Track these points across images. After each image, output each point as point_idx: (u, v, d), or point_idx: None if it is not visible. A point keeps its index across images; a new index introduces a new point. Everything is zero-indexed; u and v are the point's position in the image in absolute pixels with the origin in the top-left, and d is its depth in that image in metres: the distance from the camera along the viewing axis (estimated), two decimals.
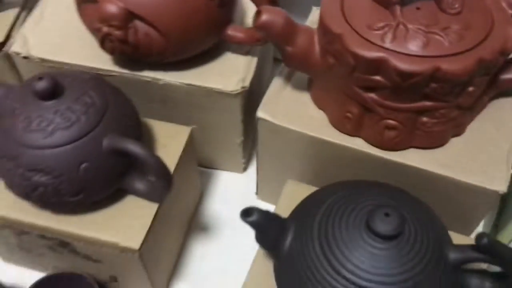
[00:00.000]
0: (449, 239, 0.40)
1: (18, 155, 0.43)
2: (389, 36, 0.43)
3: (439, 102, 0.45)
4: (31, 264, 0.56)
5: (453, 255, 0.38)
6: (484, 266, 0.43)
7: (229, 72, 0.56)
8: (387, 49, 0.43)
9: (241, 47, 0.58)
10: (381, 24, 0.44)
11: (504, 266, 0.37)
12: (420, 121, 0.47)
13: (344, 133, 0.50)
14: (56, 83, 0.43)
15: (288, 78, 0.55)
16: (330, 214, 0.39)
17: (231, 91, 0.54)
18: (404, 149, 0.49)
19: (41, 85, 0.42)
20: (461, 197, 0.48)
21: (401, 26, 0.44)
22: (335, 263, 0.37)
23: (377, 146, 0.49)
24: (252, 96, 0.57)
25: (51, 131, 0.42)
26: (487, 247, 0.36)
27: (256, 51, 0.58)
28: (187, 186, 0.59)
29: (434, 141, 0.49)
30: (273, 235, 0.40)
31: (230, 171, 0.67)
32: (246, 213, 0.39)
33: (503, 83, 0.50)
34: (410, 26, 0.44)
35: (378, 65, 0.43)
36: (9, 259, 0.58)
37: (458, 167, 0.48)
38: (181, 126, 0.54)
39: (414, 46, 0.43)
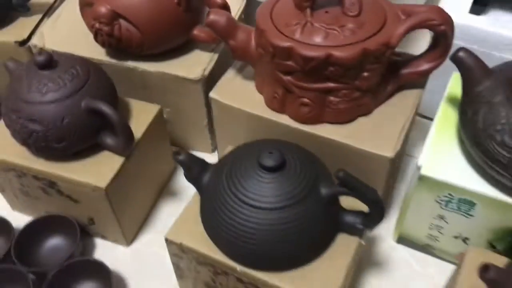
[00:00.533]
0: (327, 179, 0.51)
1: (21, 109, 0.58)
2: (298, 31, 0.57)
3: (339, 84, 0.58)
4: (30, 210, 0.71)
5: (324, 190, 0.50)
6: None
7: (194, 64, 0.70)
8: (295, 40, 0.56)
9: (208, 45, 0.72)
10: (294, 22, 0.58)
11: (358, 197, 0.49)
12: (328, 100, 0.59)
13: (274, 110, 0.63)
14: (51, 58, 0.59)
15: (240, 69, 0.69)
16: (235, 157, 0.52)
17: (194, 78, 0.69)
18: (318, 123, 0.61)
19: (40, 58, 0.58)
20: (362, 163, 0.60)
21: (308, 24, 0.57)
22: (235, 191, 0.50)
23: (296, 121, 0.62)
24: (214, 84, 0.71)
25: (45, 92, 0.57)
26: (343, 180, 0.48)
27: (219, 49, 0.73)
28: (158, 158, 0.72)
29: (341, 118, 0.61)
30: (196, 172, 0.53)
31: (201, 151, 0.81)
32: (177, 154, 0.52)
33: (404, 76, 0.62)
34: (315, 24, 0.57)
35: (289, 52, 0.56)
36: (14, 206, 0.73)
37: (359, 138, 0.60)
38: (152, 104, 0.69)
39: (315, 38, 0.56)
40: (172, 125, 0.76)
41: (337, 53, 0.55)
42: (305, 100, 0.60)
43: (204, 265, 0.54)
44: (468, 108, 0.55)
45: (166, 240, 0.55)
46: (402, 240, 0.68)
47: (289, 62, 0.57)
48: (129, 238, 0.70)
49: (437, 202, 0.58)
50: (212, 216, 0.52)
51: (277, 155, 0.49)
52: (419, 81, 0.64)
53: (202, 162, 0.54)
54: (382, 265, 0.67)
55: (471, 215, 0.57)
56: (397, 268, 0.67)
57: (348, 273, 0.52)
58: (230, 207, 0.50)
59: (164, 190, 0.76)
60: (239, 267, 0.52)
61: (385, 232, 0.70)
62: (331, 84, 0.58)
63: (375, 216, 0.51)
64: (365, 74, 0.58)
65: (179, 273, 0.60)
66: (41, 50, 0.59)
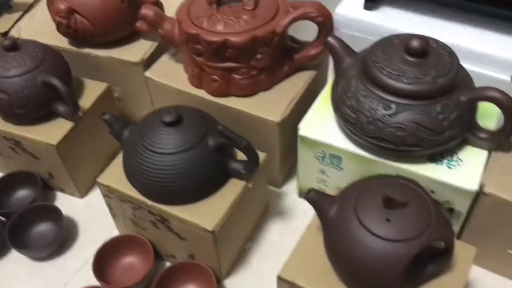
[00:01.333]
0: (215, 134, 0.66)
1: None
2: (205, 21, 0.72)
3: (238, 64, 0.73)
4: (4, 167, 0.87)
5: (211, 141, 0.65)
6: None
7: (138, 50, 0.86)
8: (202, 28, 0.72)
9: (150, 35, 0.88)
10: (203, 14, 0.73)
11: (235, 146, 0.64)
12: (232, 77, 0.75)
13: (194, 86, 0.79)
14: (15, 42, 0.75)
15: (173, 54, 0.84)
16: (148, 118, 0.68)
17: (136, 61, 0.84)
18: (227, 96, 0.77)
19: (6, 42, 0.74)
20: (259, 127, 0.75)
21: (213, 16, 0.73)
22: (143, 142, 0.65)
23: (210, 94, 0.77)
24: None
25: (9, 68, 0.74)
26: (222, 133, 0.63)
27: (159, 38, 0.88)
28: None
29: (245, 92, 0.76)
30: (118, 129, 0.68)
31: None
32: (103, 114, 0.68)
33: (297, 60, 0.78)
34: (218, 16, 0.72)
35: (197, 38, 0.72)
36: None
37: (257, 108, 0.75)
38: (102, 83, 0.84)
39: (217, 27, 0.71)
40: (123, 102, 0.92)
41: (232, 38, 0.70)
42: (215, 77, 0.75)
43: (126, 202, 0.70)
44: (335, 82, 0.70)
45: (97, 183, 0.70)
46: (302, 194, 0.82)
47: (198, 46, 0.73)
48: (82, 191, 0.85)
49: (316, 158, 0.73)
50: (129, 163, 0.67)
51: (174, 113, 0.64)
52: (311, 63, 0.79)
53: (123, 121, 0.69)
54: (286, 215, 0.82)
55: (341, 168, 0.72)
56: (296, 217, 0.81)
57: (234, 208, 0.66)
58: (140, 154, 0.65)
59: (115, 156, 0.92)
60: (149, 202, 0.67)
61: (292, 188, 0.85)
62: (232, 64, 0.73)
63: (252, 162, 0.66)
64: (258, 56, 0.73)
65: (113, 213, 0.75)
66: (7, 38, 0.76)
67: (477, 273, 0.72)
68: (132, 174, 0.67)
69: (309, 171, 0.76)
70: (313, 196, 0.56)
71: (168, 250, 0.74)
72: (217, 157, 0.65)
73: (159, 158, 0.64)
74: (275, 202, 0.83)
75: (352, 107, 0.65)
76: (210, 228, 0.64)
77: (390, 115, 0.62)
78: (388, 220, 0.51)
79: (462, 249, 0.60)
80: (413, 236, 0.50)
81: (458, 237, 0.71)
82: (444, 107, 0.61)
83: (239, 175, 0.68)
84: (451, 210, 0.67)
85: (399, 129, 0.62)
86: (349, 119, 0.65)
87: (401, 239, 0.50)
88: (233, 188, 0.68)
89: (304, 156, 0.74)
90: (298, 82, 0.78)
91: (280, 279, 0.59)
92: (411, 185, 0.56)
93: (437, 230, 0.51)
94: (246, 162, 0.66)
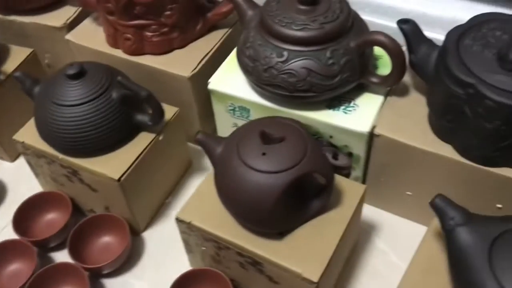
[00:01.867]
0: (119, 88, 0.68)
1: None
2: None
3: (149, 21, 0.75)
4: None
5: (114, 93, 0.67)
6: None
7: (62, 15, 0.88)
8: None
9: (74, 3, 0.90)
10: None
11: (135, 96, 0.66)
12: (144, 34, 0.77)
13: (112, 46, 0.81)
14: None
15: (96, 18, 0.86)
16: (58, 74, 0.70)
17: (59, 26, 0.86)
18: (142, 54, 0.79)
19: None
20: (174, 83, 0.77)
21: None
22: (51, 97, 0.67)
23: (126, 53, 0.79)
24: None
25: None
26: (122, 84, 0.65)
27: None
28: None
29: (158, 49, 0.78)
30: (28, 87, 0.71)
31: None
32: (17, 72, 0.70)
33: (210, 18, 0.80)
34: None
35: None
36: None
37: (170, 65, 0.77)
38: (27, 48, 0.86)
39: None
40: (53, 68, 0.94)
41: None
42: (127, 35, 0.77)
43: (41, 157, 0.72)
44: (241, 33, 0.72)
45: (14, 140, 0.72)
46: None
47: (109, 5, 0.75)
48: (12, 156, 0.88)
49: (228, 112, 0.75)
50: (39, 118, 0.69)
51: (77, 66, 0.66)
52: (227, 21, 0.82)
53: (34, 79, 0.71)
54: (209, 172, 0.84)
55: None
56: None
57: (143, 159, 0.69)
58: (47, 108, 0.67)
59: None
60: (60, 155, 0.69)
61: None
62: (142, 21, 0.75)
63: (156, 113, 0.68)
64: (167, 12, 0.75)
65: (34, 171, 0.78)
66: None
67: (382, 216, 0.75)
68: (42, 129, 0.69)
69: (225, 125, 0.78)
70: (200, 138, 0.59)
71: (86, 204, 0.76)
72: (122, 109, 0.68)
73: (64, 110, 0.66)
74: (199, 159, 0.86)
75: (251, 57, 0.67)
76: (116, 177, 0.66)
77: (282, 62, 0.64)
78: (264, 154, 0.54)
79: (352, 187, 0.63)
80: (286, 167, 0.53)
81: (363, 182, 0.74)
82: (334, 52, 0.64)
83: (147, 127, 0.70)
84: (350, 154, 0.70)
85: (291, 75, 0.64)
86: (249, 68, 0.68)
87: (275, 170, 0.53)
88: (143, 141, 0.70)
89: (218, 111, 0.77)
90: (213, 40, 0.80)
91: (178, 220, 0.62)
92: (291, 123, 0.58)
93: (312, 163, 0.54)
94: (151, 114, 0.69)
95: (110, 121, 0.67)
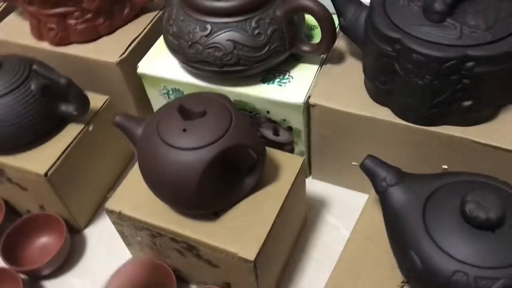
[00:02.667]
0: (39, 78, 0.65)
1: None
2: None
3: (70, 7, 0.71)
4: None
5: (34, 85, 0.63)
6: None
7: None
8: None
9: None
10: None
11: (53, 85, 0.62)
12: (68, 23, 0.73)
13: (38, 39, 0.77)
14: None
15: (22, 12, 0.82)
16: None
17: None
18: (68, 44, 0.75)
19: None
20: (101, 71, 0.73)
21: None
22: None
23: (51, 44, 0.75)
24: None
25: None
26: (38, 72, 0.61)
27: None
28: None
29: (85, 37, 0.74)
30: None
31: None
32: None
33: (137, 2, 0.76)
34: None
35: None
36: None
37: (99, 52, 0.74)
38: None
39: None
40: None
41: None
42: (51, 25, 0.73)
43: None
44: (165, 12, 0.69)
45: None
46: None
47: None
48: None
49: (162, 95, 0.72)
50: None
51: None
52: (157, 4, 0.78)
53: None
54: None
55: None
56: None
57: (71, 152, 0.65)
58: None
59: None
60: None
61: None
62: (63, 9, 0.72)
63: (79, 101, 0.64)
64: None
65: None
66: None
67: (331, 190, 0.73)
68: None
69: None
70: (118, 120, 0.55)
71: (21, 205, 0.72)
72: (44, 100, 0.64)
73: None
74: None
75: (175, 34, 0.64)
76: (42, 172, 0.62)
77: (206, 36, 0.61)
78: (184, 130, 0.51)
79: (290, 161, 0.60)
80: (208, 142, 0.50)
81: (308, 157, 0.71)
82: (259, 22, 0.61)
83: (73, 118, 0.66)
84: (290, 128, 0.67)
85: (216, 49, 0.61)
86: (174, 47, 0.64)
87: (197, 146, 0.50)
88: (71, 132, 0.66)
89: (152, 96, 0.73)
90: (142, 24, 0.77)
91: (108, 211, 0.59)
92: (214, 97, 0.55)
93: (237, 136, 0.51)
94: (75, 103, 0.65)
95: (31, 114, 0.63)
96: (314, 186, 0.73)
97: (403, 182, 0.47)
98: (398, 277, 0.50)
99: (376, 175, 0.48)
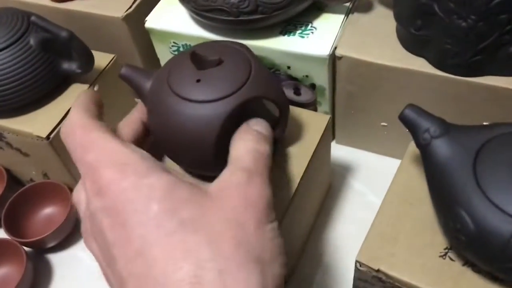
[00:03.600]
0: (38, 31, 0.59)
1: None
2: None
3: None
4: None
5: (33, 39, 0.57)
6: None
7: None
8: None
9: None
10: None
11: (54, 38, 0.57)
12: None
13: None
14: None
15: None
16: None
17: None
18: (70, 0, 0.69)
19: None
20: (107, 28, 0.68)
21: None
22: None
23: (53, 0, 0.70)
24: None
25: None
26: (36, 24, 0.55)
27: None
28: None
29: None
30: None
31: None
32: None
33: None
34: None
35: None
36: None
37: (101, 7, 0.67)
38: None
39: None
40: None
41: None
42: None
43: None
44: None
45: None
46: None
47: None
48: None
49: (171, 53, 0.66)
50: None
51: None
52: None
53: None
54: None
55: None
56: None
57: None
58: None
59: None
60: None
61: None
62: None
63: (83, 58, 0.59)
64: None
65: None
66: None
67: (357, 155, 0.67)
68: None
69: None
70: (125, 72, 0.49)
71: (23, 173, 0.67)
72: (45, 57, 0.58)
73: None
74: None
75: None
76: (44, 135, 0.57)
77: None
78: (198, 81, 0.45)
79: (315, 119, 0.54)
80: (226, 94, 0.44)
81: (333, 121, 0.65)
82: None
83: (77, 76, 0.61)
84: (313, 86, 0.61)
85: None
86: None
87: (213, 99, 0.44)
88: (75, 93, 0.61)
89: (161, 54, 0.68)
90: None
91: None
92: (231, 44, 0.49)
93: (257, 87, 0.45)
94: (78, 60, 0.59)
95: (31, 72, 0.57)
96: (338, 151, 0.67)
97: (448, 133, 0.41)
98: (441, 243, 0.44)
99: (418, 126, 0.42)
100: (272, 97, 0.47)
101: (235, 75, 0.45)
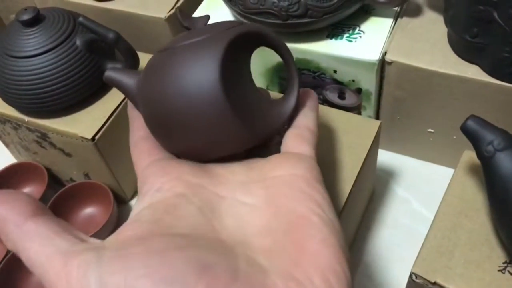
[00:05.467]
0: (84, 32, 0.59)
1: None
2: None
3: None
4: None
5: (79, 40, 0.57)
6: None
7: None
8: None
9: None
10: None
11: (101, 38, 0.56)
12: None
13: None
14: None
15: None
16: (9, 25, 0.60)
17: None
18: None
19: None
20: (149, 28, 0.67)
21: None
22: (6, 50, 0.58)
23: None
24: None
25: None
26: (84, 24, 0.55)
27: None
28: None
29: None
30: None
31: None
32: None
33: None
34: None
35: None
36: None
37: (143, 7, 0.67)
38: None
39: None
40: None
41: None
42: None
43: (6, 123, 0.63)
44: None
45: None
46: None
47: None
48: None
49: None
50: None
51: (32, 11, 0.57)
52: None
53: None
54: None
55: None
56: None
57: (118, 116, 0.59)
58: (3, 64, 0.57)
59: None
60: (26, 118, 0.60)
61: None
62: None
63: (128, 59, 0.58)
64: None
65: (3, 140, 0.69)
66: None
67: (401, 160, 0.66)
68: (3, 89, 0.60)
69: None
70: (109, 75, 0.42)
71: (64, 173, 0.68)
72: (90, 58, 0.58)
73: (21, 63, 0.56)
74: None
75: None
76: (89, 137, 0.57)
77: None
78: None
79: (365, 125, 0.53)
80: (219, 30, 0.37)
81: None
82: None
83: None
84: (358, 90, 0.60)
85: None
86: None
87: (205, 37, 0.36)
88: (119, 94, 0.60)
89: None
90: None
91: None
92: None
93: (252, 25, 0.39)
94: (123, 61, 0.59)
95: (77, 72, 0.57)
96: (381, 156, 0.66)
97: None
98: (499, 257, 0.43)
99: (481, 137, 0.41)
100: (271, 35, 0.39)
101: (225, 23, 0.39)
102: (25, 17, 0.56)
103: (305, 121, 0.39)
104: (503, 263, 0.43)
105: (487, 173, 0.41)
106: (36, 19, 0.57)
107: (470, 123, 0.41)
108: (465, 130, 0.42)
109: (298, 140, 0.38)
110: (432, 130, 0.60)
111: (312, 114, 0.40)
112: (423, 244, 0.45)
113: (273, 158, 0.36)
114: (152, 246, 0.27)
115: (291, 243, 0.29)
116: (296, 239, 0.29)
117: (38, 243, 0.28)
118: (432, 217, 0.47)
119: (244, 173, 0.36)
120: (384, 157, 0.66)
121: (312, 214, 0.31)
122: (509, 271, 0.42)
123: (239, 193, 0.33)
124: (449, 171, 0.51)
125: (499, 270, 0.42)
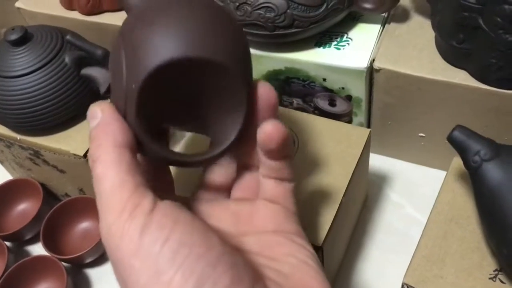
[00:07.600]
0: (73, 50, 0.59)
1: None
2: None
3: None
4: None
5: (68, 57, 0.57)
6: None
7: None
8: None
9: None
10: None
11: (89, 55, 0.56)
12: None
13: (66, 8, 0.71)
14: None
15: None
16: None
17: None
18: (100, 13, 0.69)
19: None
20: None
21: None
22: None
23: (83, 14, 0.69)
24: None
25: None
26: (71, 42, 0.55)
27: None
28: None
29: (116, 5, 0.68)
30: None
31: None
32: None
33: None
34: None
35: None
36: None
37: None
38: None
39: None
40: None
41: None
42: None
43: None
44: None
45: None
46: None
47: None
48: None
49: None
50: None
51: (19, 30, 0.57)
52: None
53: None
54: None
55: None
56: None
57: None
58: None
59: None
60: (19, 136, 0.60)
61: None
62: None
63: None
64: None
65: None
66: None
67: (393, 165, 0.66)
68: None
69: None
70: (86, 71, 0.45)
71: (59, 188, 0.68)
72: (79, 75, 0.58)
73: (10, 83, 0.56)
74: None
75: None
76: (81, 154, 0.57)
77: None
78: None
79: (354, 133, 0.53)
80: None
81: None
82: None
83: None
84: (348, 98, 0.60)
85: (268, 10, 0.54)
86: None
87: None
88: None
89: None
90: None
91: None
92: None
93: None
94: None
95: (67, 90, 0.57)
96: (373, 161, 0.66)
97: (499, 156, 0.40)
98: (490, 265, 0.43)
99: (468, 148, 0.41)
100: None
101: None
102: (13, 36, 0.56)
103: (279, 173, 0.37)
104: (494, 271, 0.43)
105: (474, 183, 0.41)
106: (24, 38, 0.57)
107: (456, 133, 0.42)
108: (451, 140, 0.42)
109: (278, 189, 0.37)
110: (423, 135, 0.61)
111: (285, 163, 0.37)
112: (414, 253, 0.45)
113: (260, 210, 0.37)
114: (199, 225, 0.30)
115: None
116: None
117: (115, 171, 0.31)
118: (425, 221, 0.47)
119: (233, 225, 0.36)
120: (377, 161, 0.66)
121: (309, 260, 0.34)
122: (499, 279, 0.42)
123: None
124: (442, 174, 0.51)
125: (490, 278, 0.43)
